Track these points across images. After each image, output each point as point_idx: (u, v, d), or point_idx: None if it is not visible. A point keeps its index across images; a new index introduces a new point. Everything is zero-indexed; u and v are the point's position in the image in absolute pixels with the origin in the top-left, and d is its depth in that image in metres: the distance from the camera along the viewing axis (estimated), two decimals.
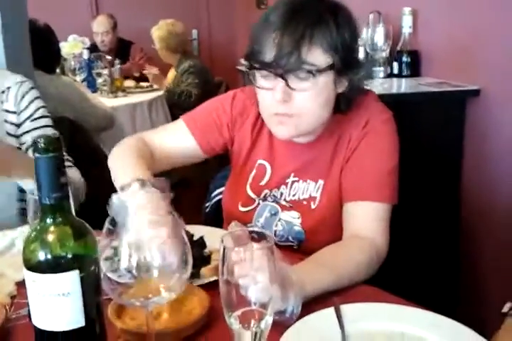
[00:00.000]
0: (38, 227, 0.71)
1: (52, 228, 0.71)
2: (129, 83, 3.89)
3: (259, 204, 1.39)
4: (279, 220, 1.36)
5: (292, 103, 1.18)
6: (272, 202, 1.37)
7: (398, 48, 2.38)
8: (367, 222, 1.23)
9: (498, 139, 2.02)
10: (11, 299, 1.05)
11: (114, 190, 1.15)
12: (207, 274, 1.09)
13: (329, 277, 1.06)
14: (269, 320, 0.70)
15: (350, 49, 1.22)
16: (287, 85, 1.16)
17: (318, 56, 1.16)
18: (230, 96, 1.42)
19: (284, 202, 1.36)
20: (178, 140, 1.41)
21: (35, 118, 1.59)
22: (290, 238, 1.35)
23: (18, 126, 1.59)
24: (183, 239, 0.79)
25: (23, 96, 1.59)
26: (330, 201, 1.32)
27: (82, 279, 0.70)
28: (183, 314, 0.94)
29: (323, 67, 1.16)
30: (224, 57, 5.21)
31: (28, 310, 0.98)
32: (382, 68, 2.38)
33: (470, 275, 2.21)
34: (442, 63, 2.28)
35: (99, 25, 4.57)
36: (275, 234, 1.36)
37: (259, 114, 1.36)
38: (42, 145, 0.68)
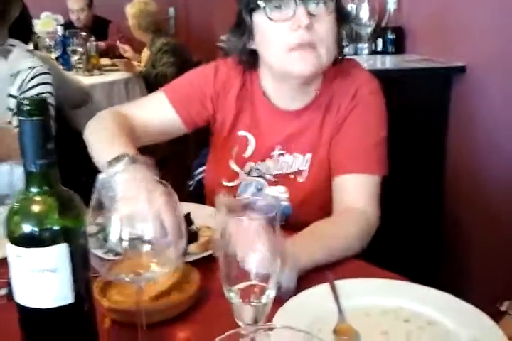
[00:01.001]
0: (23, 197, 0.66)
1: (37, 198, 0.65)
2: (105, 61, 3.78)
3: (243, 179, 1.35)
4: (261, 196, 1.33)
5: (313, 30, 1.16)
6: (257, 176, 1.34)
7: (383, 25, 2.35)
8: (357, 194, 1.22)
9: (483, 116, 2.01)
10: None
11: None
12: (195, 251, 1.06)
13: (321, 250, 1.04)
14: (271, 293, 0.66)
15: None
16: (307, 11, 1.14)
17: None
18: (212, 67, 1.36)
19: (269, 177, 1.33)
20: (158, 113, 1.34)
21: None
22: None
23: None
24: (177, 211, 0.76)
25: (30, 79, 1.51)
26: (319, 174, 1.30)
27: (70, 253, 0.65)
28: (174, 291, 0.90)
29: None
30: (202, 35, 5.10)
31: (9, 290, 0.94)
32: (366, 45, 2.35)
33: (451, 248, 2.22)
34: (427, 40, 2.26)
35: (74, 3, 4.47)
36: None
37: (243, 86, 1.34)
38: (26, 107, 0.63)
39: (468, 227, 2.14)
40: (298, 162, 1.31)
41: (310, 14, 1.15)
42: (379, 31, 2.36)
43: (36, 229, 0.65)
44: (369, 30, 2.27)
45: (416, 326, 0.86)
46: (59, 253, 0.65)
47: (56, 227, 0.65)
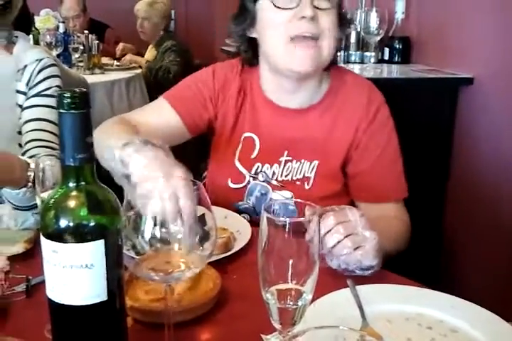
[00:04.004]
0: (59, 192, 0.65)
1: (74, 193, 0.64)
2: (106, 60, 3.77)
3: (249, 182, 1.35)
4: (270, 200, 1.33)
5: (317, 23, 1.18)
6: (263, 181, 1.34)
7: (390, 34, 2.36)
8: (395, 216, 1.28)
9: (489, 127, 2.02)
10: (5, 275, 0.98)
11: None
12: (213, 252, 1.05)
13: (388, 240, 1.09)
14: (307, 297, 0.65)
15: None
16: (312, 2, 1.16)
17: None
18: (210, 70, 1.39)
19: (275, 182, 1.34)
20: (162, 119, 1.33)
21: (44, 95, 1.44)
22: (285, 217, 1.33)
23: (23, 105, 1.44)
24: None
25: (38, 72, 1.44)
26: (325, 181, 1.31)
27: (105, 250, 0.64)
28: (197, 291, 0.89)
29: None
30: (201, 38, 5.12)
31: (26, 286, 0.93)
32: (373, 53, 2.36)
33: (451, 260, 2.22)
34: (434, 50, 2.27)
35: (69, 10, 4.26)
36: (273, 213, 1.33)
37: (241, 86, 1.35)
38: (67, 100, 0.62)
39: (469, 239, 2.15)
40: (304, 168, 1.32)
41: (314, 7, 1.17)
42: (386, 40, 2.37)
43: (72, 224, 0.64)
44: (377, 38, 2.28)
45: (439, 333, 0.85)
46: (96, 250, 0.63)
47: (92, 223, 0.64)
